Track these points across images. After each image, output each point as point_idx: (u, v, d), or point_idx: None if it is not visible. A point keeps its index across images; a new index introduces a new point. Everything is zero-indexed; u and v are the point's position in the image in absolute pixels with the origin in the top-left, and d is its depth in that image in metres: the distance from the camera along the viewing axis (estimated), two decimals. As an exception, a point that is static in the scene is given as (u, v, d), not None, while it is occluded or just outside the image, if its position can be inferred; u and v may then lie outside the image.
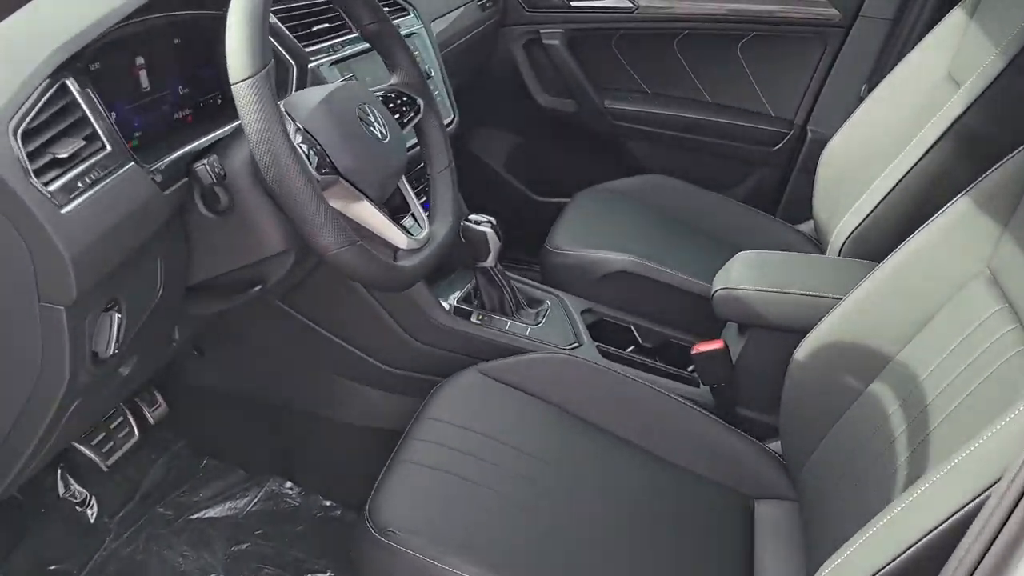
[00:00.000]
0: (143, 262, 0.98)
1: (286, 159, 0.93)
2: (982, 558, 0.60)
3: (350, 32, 1.44)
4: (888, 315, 1.16)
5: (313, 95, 1.08)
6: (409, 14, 1.70)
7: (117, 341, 0.93)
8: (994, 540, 0.60)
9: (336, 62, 1.39)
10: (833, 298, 1.28)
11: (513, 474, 1.20)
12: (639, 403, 1.36)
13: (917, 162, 1.48)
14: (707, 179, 2.14)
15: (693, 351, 1.43)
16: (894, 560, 0.77)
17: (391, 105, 1.22)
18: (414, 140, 1.34)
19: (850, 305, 1.21)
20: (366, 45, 1.41)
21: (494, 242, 1.50)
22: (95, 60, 0.99)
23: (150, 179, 0.95)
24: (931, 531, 0.75)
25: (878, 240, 1.49)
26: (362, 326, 1.51)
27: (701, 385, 1.51)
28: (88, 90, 0.91)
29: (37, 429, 0.92)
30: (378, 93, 1.22)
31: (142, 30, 1.06)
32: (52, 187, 0.82)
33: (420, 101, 1.26)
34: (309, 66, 1.30)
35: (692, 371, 1.58)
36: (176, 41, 1.16)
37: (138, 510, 1.59)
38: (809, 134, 2.17)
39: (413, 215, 1.25)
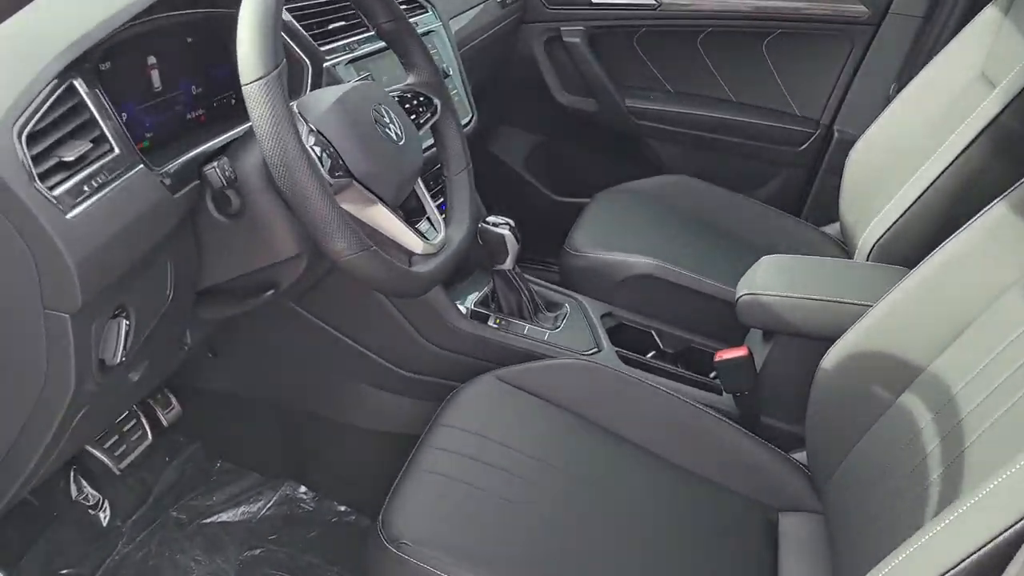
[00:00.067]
0: (152, 267, 0.95)
1: (297, 163, 0.90)
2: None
3: (366, 30, 1.41)
4: (920, 324, 1.12)
5: (327, 96, 1.05)
6: (427, 11, 1.68)
7: (125, 348, 0.91)
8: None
9: (352, 61, 1.37)
10: (862, 305, 1.24)
11: (529, 484, 1.17)
12: (660, 411, 1.33)
13: (950, 164, 1.43)
14: (730, 180, 2.11)
15: (716, 358, 1.39)
16: (932, 585, 0.73)
17: (407, 105, 1.19)
18: (431, 141, 1.31)
19: (880, 313, 1.17)
20: (383, 43, 1.39)
21: (512, 244, 1.47)
22: (105, 60, 0.97)
23: (159, 182, 0.93)
24: (971, 555, 0.72)
25: (909, 245, 1.45)
26: (377, 329, 1.48)
27: (724, 393, 1.48)
28: (97, 91, 0.89)
29: (43, 438, 0.90)
30: (394, 93, 1.19)
31: (154, 29, 1.04)
32: (57, 191, 0.80)
33: (437, 101, 1.23)
34: (324, 65, 1.27)
35: (714, 378, 1.55)
36: (189, 40, 1.14)
37: (151, 513, 1.57)
38: (836, 134, 2.13)
39: (429, 219, 1.23)
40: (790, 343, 1.38)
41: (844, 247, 1.84)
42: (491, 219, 1.48)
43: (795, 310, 1.35)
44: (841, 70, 2.13)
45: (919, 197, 1.45)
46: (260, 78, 0.90)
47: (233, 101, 1.22)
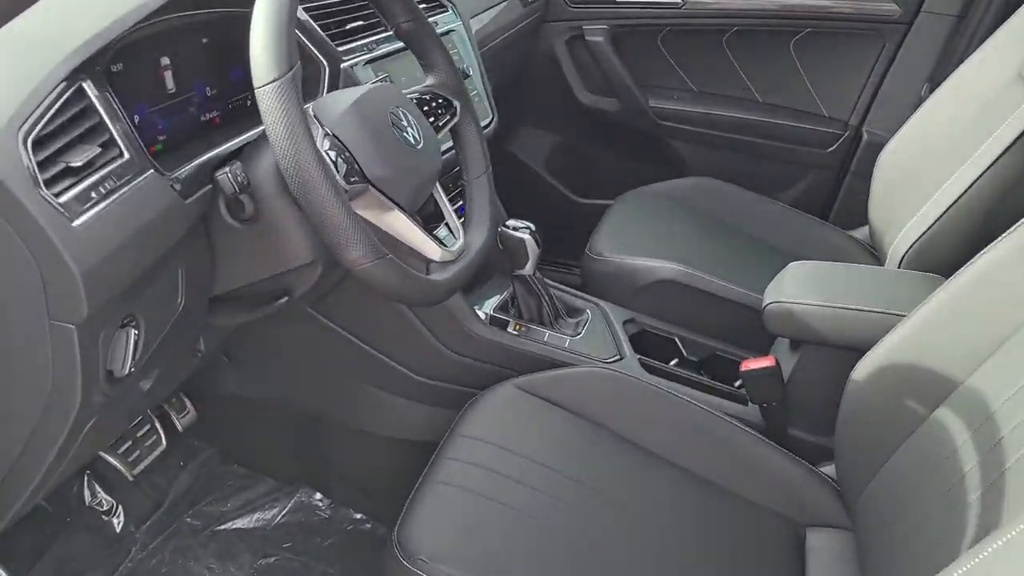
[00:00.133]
0: (162, 274, 0.93)
1: (311, 168, 0.87)
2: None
3: (385, 30, 1.38)
4: (957, 336, 1.07)
5: (343, 98, 1.02)
6: (448, 10, 1.65)
7: (134, 359, 0.89)
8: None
9: (370, 61, 1.34)
10: (895, 315, 1.20)
11: (549, 497, 1.14)
12: (684, 422, 1.29)
13: (987, 169, 1.38)
14: (756, 182, 2.07)
15: (742, 367, 1.35)
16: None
17: (426, 108, 1.16)
18: (450, 143, 1.28)
19: (915, 323, 1.13)
20: (402, 43, 1.36)
21: (533, 249, 1.44)
22: (117, 61, 0.95)
23: (170, 187, 0.91)
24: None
25: (944, 252, 1.40)
26: (394, 335, 1.46)
27: (750, 403, 1.44)
28: (107, 93, 0.87)
29: (50, 450, 0.88)
30: (412, 95, 1.17)
31: (167, 29, 1.01)
32: (63, 198, 0.77)
33: (456, 103, 1.20)
34: (342, 66, 1.25)
35: (739, 386, 1.51)
36: (204, 40, 1.11)
37: (165, 519, 1.56)
38: (865, 136, 2.08)
39: (447, 224, 1.20)
40: (819, 353, 1.34)
41: (873, 252, 1.80)
42: (511, 223, 1.45)
43: (825, 319, 1.31)
44: (871, 70, 2.08)
45: (954, 202, 1.41)
46: (273, 81, 0.88)
47: (248, 103, 1.19)
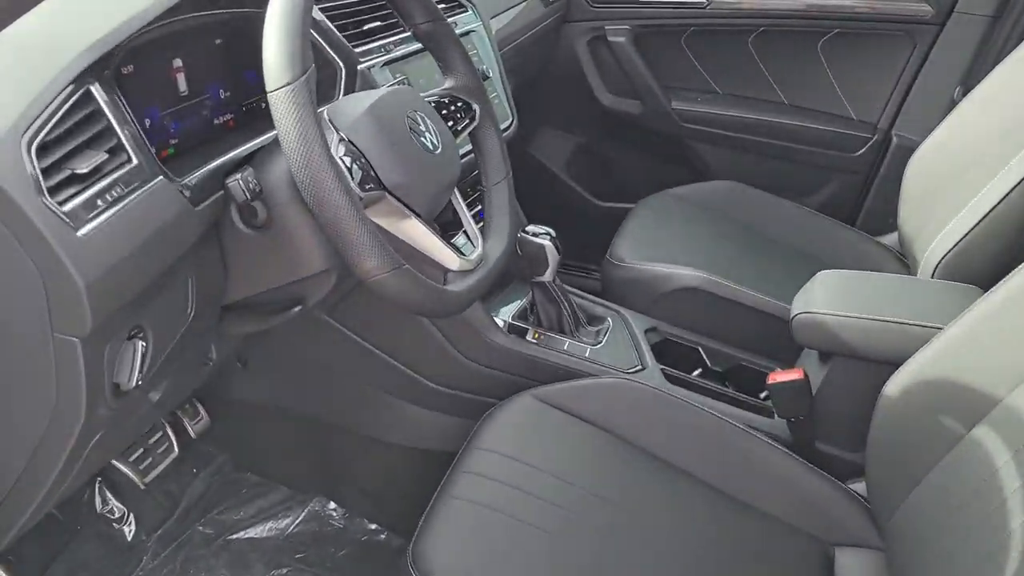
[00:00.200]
0: (172, 284, 0.90)
1: (325, 176, 0.84)
2: None
3: (403, 30, 1.35)
4: (997, 351, 1.03)
5: (359, 102, 0.99)
6: (467, 10, 1.62)
7: (141, 372, 0.86)
8: None
9: (388, 63, 1.31)
10: (931, 327, 1.16)
11: (569, 513, 1.11)
12: (709, 436, 1.26)
13: (1027, 175, 1.33)
14: (781, 186, 2.03)
15: (769, 380, 1.31)
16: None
17: (445, 111, 1.13)
18: (468, 147, 1.25)
19: (952, 336, 1.08)
20: (421, 45, 1.33)
21: (553, 256, 1.41)
22: (128, 62, 0.92)
23: (180, 194, 0.88)
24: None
25: (980, 262, 1.35)
26: (410, 342, 1.43)
27: (776, 417, 1.40)
28: (116, 97, 0.84)
29: (54, 465, 0.85)
30: (431, 99, 1.13)
31: (180, 30, 0.99)
32: (68, 206, 0.75)
33: (476, 107, 1.17)
34: (358, 68, 1.22)
35: (765, 398, 1.47)
36: (217, 41, 1.09)
37: (177, 528, 1.54)
38: (894, 139, 2.03)
39: (466, 232, 1.16)
40: (850, 366, 1.30)
41: (903, 260, 1.75)
42: (531, 228, 1.42)
43: (856, 331, 1.27)
44: (902, 72, 2.03)
45: (991, 210, 1.35)
46: (286, 85, 0.84)
47: (263, 105, 1.16)
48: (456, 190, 1.15)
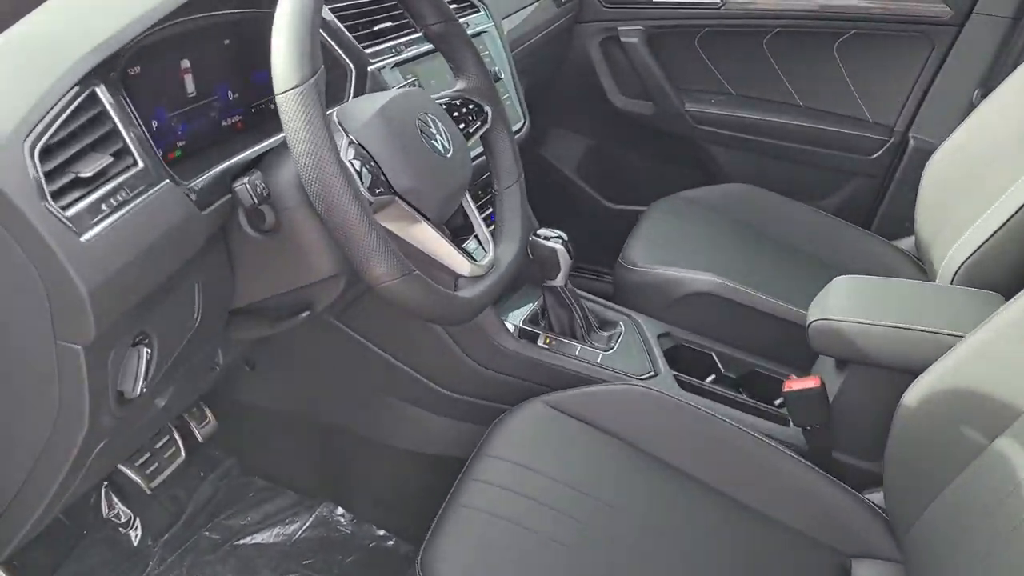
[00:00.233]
0: (178, 289, 0.88)
1: (334, 180, 0.83)
2: None
3: (414, 31, 1.34)
4: (1020, 360, 1.00)
5: (369, 105, 0.97)
6: (479, 11, 1.60)
7: (146, 379, 0.84)
8: None
9: (398, 64, 1.29)
10: (952, 335, 1.14)
11: (579, 522, 1.09)
12: (723, 444, 1.24)
13: (1050, 180, 1.31)
14: (796, 189, 2.00)
15: (785, 388, 1.29)
16: None
17: (456, 114, 1.11)
18: (479, 149, 1.23)
19: (973, 345, 1.06)
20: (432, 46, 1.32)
21: (565, 260, 1.39)
22: (134, 63, 0.90)
23: (187, 198, 0.86)
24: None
25: (1001, 269, 1.32)
26: (420, 347, 1.42)
27: (792, 425, 1.37)
28: (122, 99, 0.82)
29: (58, 474, 0.84)
30: (442, 100, 1.12)
31: (188, 30, 0.97)
32: (71, 211, 0.73)
33: (488, 109, 1.15)
34: (369, 69, 1.20)
35: (780, 405, 1.45)
36: (226, 42, 1.07)
37: (183, 533, 1.53)
38: (911, 142, 2.00)
39: (477, 237, 1.14)
40: (867, 374, 1.27)
41: (920, 265, 1.72)
42: (542, 232, 1.40)
43: (874, 338, 1.24)
44: (919, 74, 2.00)
45: (1013, 216, 1.33)
46: (295, 87, 0.83)
47: (272, 106, 1.15)
48: (467, 193, 1.13)
